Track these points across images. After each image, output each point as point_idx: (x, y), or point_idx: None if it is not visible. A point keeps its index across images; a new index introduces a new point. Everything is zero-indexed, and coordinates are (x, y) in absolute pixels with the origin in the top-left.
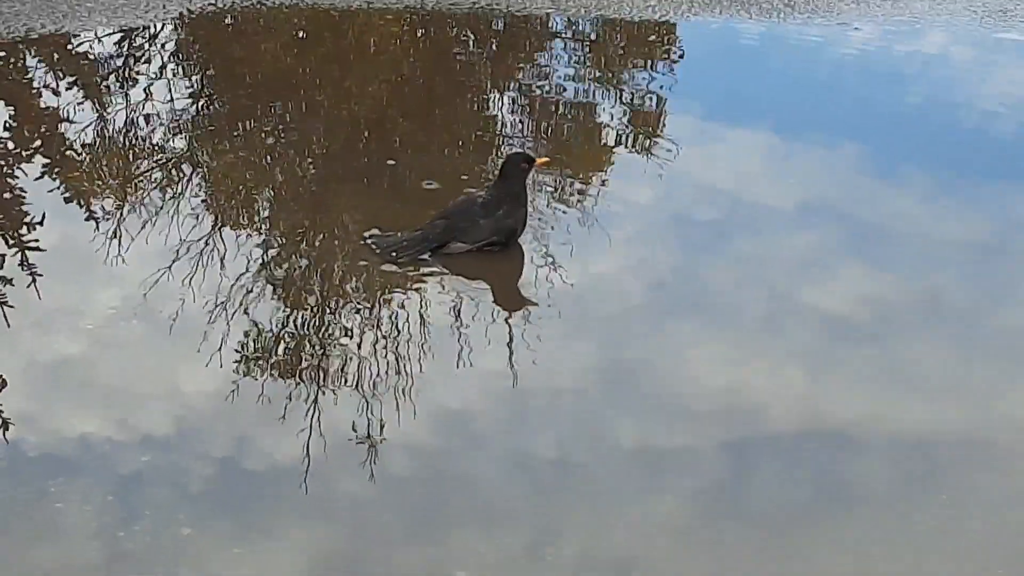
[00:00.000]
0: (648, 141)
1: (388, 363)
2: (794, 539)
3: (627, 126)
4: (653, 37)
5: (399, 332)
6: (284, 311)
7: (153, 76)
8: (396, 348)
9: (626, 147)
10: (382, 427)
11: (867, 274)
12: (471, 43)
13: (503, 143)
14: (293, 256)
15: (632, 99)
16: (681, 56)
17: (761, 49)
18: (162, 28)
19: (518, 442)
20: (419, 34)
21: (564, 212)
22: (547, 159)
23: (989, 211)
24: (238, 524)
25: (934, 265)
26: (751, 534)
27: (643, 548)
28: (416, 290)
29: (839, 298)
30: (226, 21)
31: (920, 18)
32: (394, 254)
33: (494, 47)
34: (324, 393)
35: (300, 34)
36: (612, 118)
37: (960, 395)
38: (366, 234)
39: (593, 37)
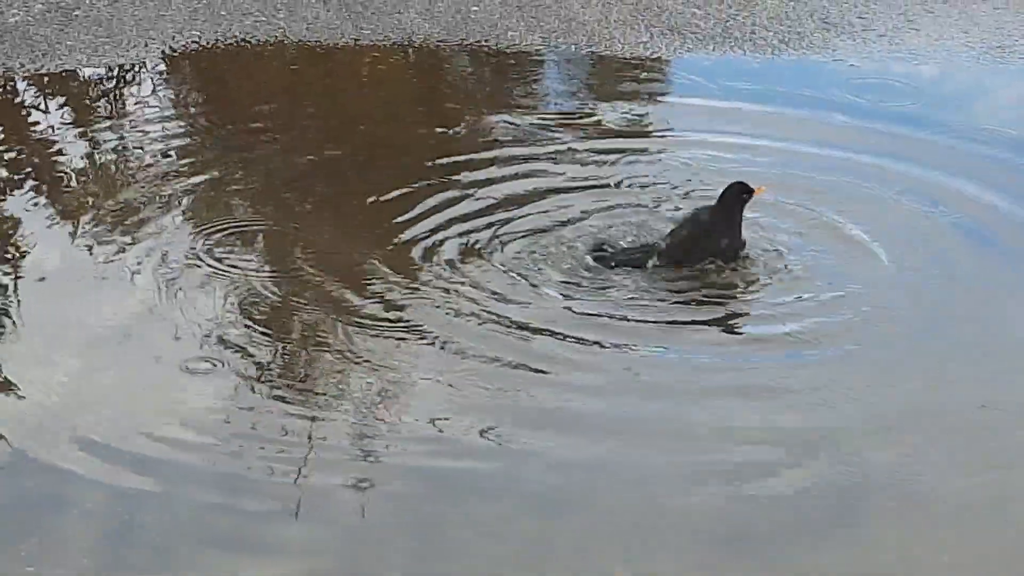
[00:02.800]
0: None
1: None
2: None
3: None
4: (644, 74)
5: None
6: (274, 340)
7: (134, 114)
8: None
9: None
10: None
11: None
12: (460, 79)
13: (489, 184)
14: (282, 288)
15: (621, 134)
16: (670, 93)
17: (755, 85)
18: (144, 66)
19: None
20: (408, 70)
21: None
22: (764, 188)
23: None
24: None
25: None
26: None
27: None
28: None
29: None
30: (210, 59)
31: (918, 54)
32: (613, 264)
33: (483, 84)
34: (317, 417)
35: (289, 68)
36: (603, 159)
37: None
38: (595, 240)
39: (584, 74)
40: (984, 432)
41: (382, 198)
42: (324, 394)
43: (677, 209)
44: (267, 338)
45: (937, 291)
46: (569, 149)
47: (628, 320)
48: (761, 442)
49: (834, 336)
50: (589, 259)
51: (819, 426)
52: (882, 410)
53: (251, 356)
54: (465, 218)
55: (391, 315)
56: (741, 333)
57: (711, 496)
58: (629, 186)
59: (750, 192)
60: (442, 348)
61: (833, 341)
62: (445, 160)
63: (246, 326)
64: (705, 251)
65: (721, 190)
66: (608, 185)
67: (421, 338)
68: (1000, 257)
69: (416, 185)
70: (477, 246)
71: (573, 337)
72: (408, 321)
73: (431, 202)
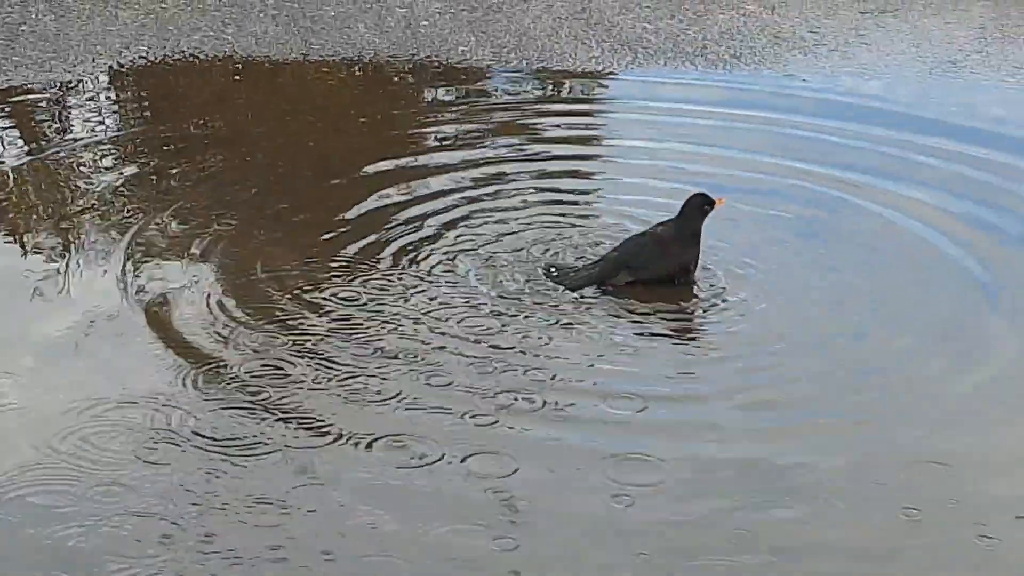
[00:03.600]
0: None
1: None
2: None
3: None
4: (595, 88)
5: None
6: (222, 350)
7: (80, 130)
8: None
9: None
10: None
11: None
12: (410, 94)
13: (435, 199)
14: (231, 307)
15: (566, 149)
16: (616, 110)
17: (706, 101)
18: (92, 81)
19: None
20: (356, 86)
21: None
22: (724, 200)
23: None
24: None
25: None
26: None
27: None
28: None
29: None
30: (157, 74)
31: (868, 69)
32: (564, 285)
33: (433, 99)
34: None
35: (238, 84)
36: (550, 173)
37: None
38: (545, 264)
39: (534, 89)
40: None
41: (334, 217)
42: (269, 410)
43: (622, 229)
44: (214, 356)
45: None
46: (522, 166)
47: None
48: None
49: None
50: (544, 279)
51: None
52: None
53: (196, 371)
54: (416, 232)
55: (340, 333)
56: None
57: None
58: (575, 202)
59: (711, 203)
60: (398, 363)
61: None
62: (395, 176)
63: (192, 344)
64: (670, 265)
65: (681, 203)
66: (561, 201)
67: (373, 352)
68: (892, 258)
69: (367, 201)
70: (429, 262)
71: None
72: (360, 336)
73: (381, 218)
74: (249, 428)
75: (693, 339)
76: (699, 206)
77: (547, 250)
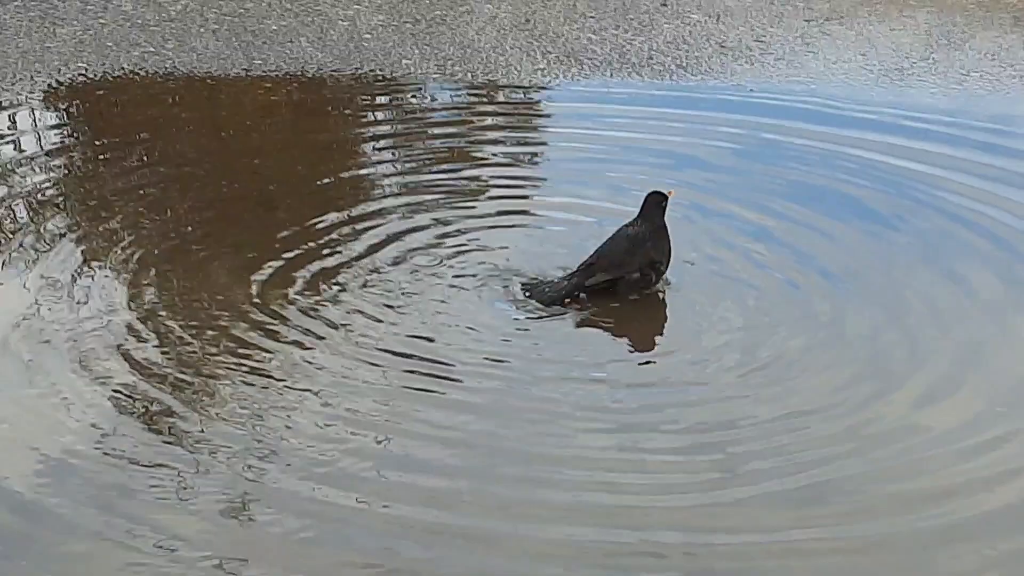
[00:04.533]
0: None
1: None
2: None
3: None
4: (538, 100)
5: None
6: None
7: (17, 150)
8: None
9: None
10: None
11: None
12: (353, 110)
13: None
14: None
15: (511, 161)
16: (557, 120)
17: (652, 111)
18: (30, 100)
19: None
20: (299, 101)
21: None
22: (674, 191)
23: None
24: None
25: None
26: None
27: None
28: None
29: None
30: (98, 92)
31: (816, 79)
32: (538, 299)
33: (377, 114)
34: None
35: (180, 101)
36: (492, 181)
37: None
38: (521, 281)
39: (478, 102)
40: None
41: (277, 235)
42: (204, 432)
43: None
44: (155, 378)
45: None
46: (469, 178)
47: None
48: None
49: None
50: (520, 294)
51: None
52: None
53: (134, 394)
54: (365, 251)
55: (282, 353)
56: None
57: None
58: (525, 213)
59: (664, 197)
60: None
61: None
62: (339, 194)
63: (135, 367)
64: (643, 259)
65: (640, 204)
66: (508, 212)
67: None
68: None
69: (311, 220)
70: (381, 279)
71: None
72: (307, 353)
73: (326, 236)
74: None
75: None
76: (656, 202)
77: (501, 265)
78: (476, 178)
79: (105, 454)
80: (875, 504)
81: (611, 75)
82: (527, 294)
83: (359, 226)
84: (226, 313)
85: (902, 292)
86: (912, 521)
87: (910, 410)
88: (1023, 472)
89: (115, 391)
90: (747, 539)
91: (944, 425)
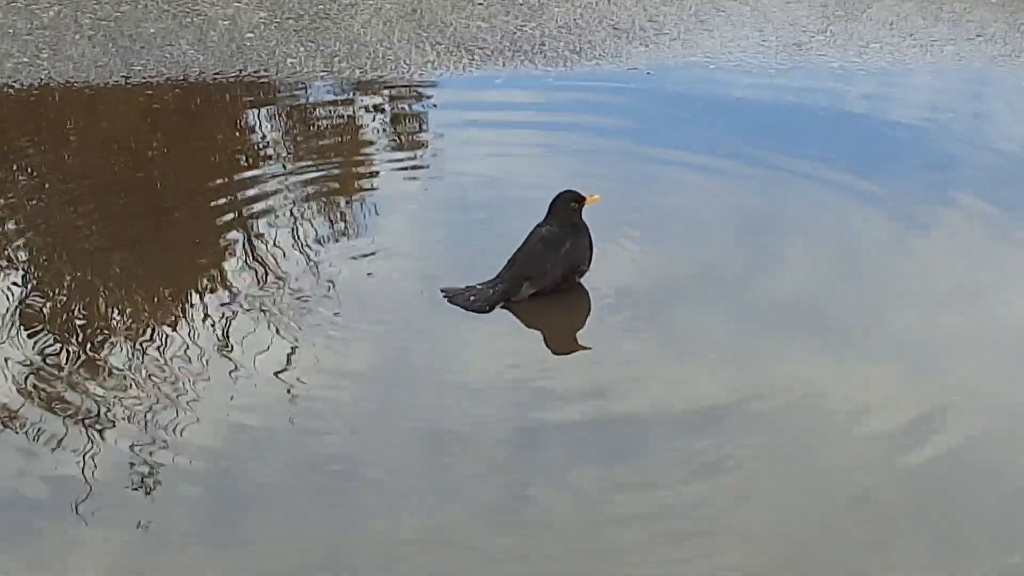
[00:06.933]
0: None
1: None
2: None
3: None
4: (430, 95)
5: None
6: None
7: None
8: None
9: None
10: None
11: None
12: (239, 114)
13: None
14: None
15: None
16: (449, 113)
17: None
18: None
19: None
20: (183, 107)
21: None
22: (597, 196)
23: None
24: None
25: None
26: None
27: None
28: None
29: None
30: None
31: (713, 58)
32: (467, 307)
33: (263, 117)
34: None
35: (58, 113)
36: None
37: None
38: (441, 288)
39: (369, 99)
40: None
41: (167, 252)
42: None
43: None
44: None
45: None
46: (360, 175)
47: None
48: None
49: None
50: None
51: None
52: None
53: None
54: (265, 261)
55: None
56: None
57: None
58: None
59: (580, 199)
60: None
61: None
62: (230, 202)
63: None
64: (565, 264)
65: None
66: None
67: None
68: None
69: (203, 232)
70: (292, 288)
71: None
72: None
73: (220, 248)
74: None
75: None
76: (567, 201)
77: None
78: (368, 174)
79: None
80: None
81: (503, 64)
82: (448, 299)
83: (254, 234)
84: (111, 335)
85: None
86: None
87: None
88: None
89: None
90: None
91: None
